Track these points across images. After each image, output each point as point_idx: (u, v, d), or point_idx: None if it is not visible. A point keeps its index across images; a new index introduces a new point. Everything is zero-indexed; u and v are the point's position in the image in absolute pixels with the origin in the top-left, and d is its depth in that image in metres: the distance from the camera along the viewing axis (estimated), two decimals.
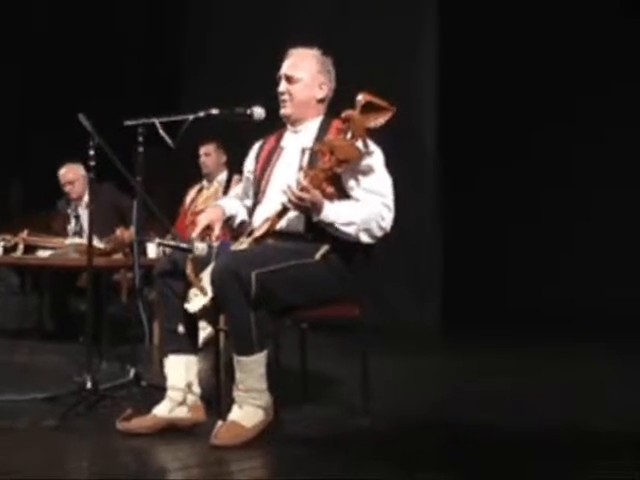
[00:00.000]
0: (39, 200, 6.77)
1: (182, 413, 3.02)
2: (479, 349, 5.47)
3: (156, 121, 3.36)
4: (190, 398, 3.03)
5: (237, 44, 7.44)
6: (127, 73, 8.54)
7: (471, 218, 7.38)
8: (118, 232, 4.96)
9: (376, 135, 3.02)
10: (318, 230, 3.00)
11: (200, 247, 2.96)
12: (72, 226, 5.70)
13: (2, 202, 8.22)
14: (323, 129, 3.14)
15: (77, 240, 5.22)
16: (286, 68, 3.20)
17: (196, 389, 3.06)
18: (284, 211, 2.99)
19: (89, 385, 3.34)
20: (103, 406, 3.32)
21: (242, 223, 3.29)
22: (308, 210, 2.96)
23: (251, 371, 2.87)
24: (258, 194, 3.20)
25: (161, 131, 3.35)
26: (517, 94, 7.29)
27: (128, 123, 3.39)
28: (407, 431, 3.16)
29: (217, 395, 3.27)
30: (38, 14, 8.38)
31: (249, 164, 3.35)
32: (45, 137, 8.03)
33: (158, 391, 3.21)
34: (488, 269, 7.51)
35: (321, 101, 3.20)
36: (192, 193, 5.92)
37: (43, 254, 5.18)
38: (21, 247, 5.26)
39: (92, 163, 3.45)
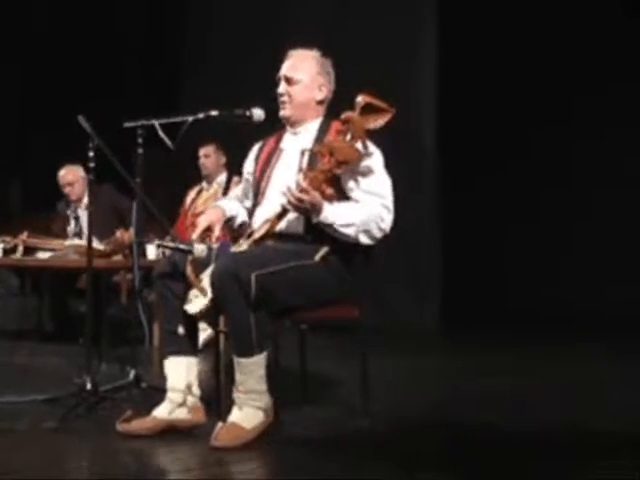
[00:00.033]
0: (39, 202, 6.78)
1: (182, 414, 3.02)
2: (479, 349, 5.48)
3: (155, 123, 3.36)
4: (190, 399, 3.03)
5: (237, 44, 7.44)
6: (127, 73, 8.54)
7: (470, 218, 7.38)
8: (118, 234, 4.96)
9: (375, 136, 3.02)
10: (318, 231, 3.00)
11: (200, 248, 2.96)
12: (72, 228, 5.69)
13: (2, 203, 8.23)
14: (322, 130, 3.14)
15: (77, 242, 5.22)
16: (286, 69, 3.20)
17: (196, 391, 3.06)
18: (284, 212, 2.99)
19: (89, 387, 3.34)
20: (103, 408, 3.32)
21: (242, 224, 3.29)
22: (308, 211, 2.96)
23: (251, 372, 2.87)
24: (258, 195, 3.20)
25: (160, 133, 3.35)
26: (516, 94, 7.29)
27: (127, 125, 3.39)
28: (407, 431, 3.16)
29: (217, 396, 3.28)
30: (38, 14, 8.39)
31: (249, 166, 3.35)
32: (45, 138, 8.04)
33: (158, 393, 3.21)
34: (487, 269, 7.51)
35: (321, 102, 3.20)
36: (192, 194, 5.92)
37: (43, 256, 5.19)
38: (21, 249, 5.26)
39: (92, 165, 3.45)
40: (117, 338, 4.56)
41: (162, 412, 3.01)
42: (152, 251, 4.61)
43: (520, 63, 7.31)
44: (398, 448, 2.91)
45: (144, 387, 3.54)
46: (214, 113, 3.34)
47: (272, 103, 3.21)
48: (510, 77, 7.32)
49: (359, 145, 2.94)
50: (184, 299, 2.97)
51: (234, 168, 5.55)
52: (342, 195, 3.04)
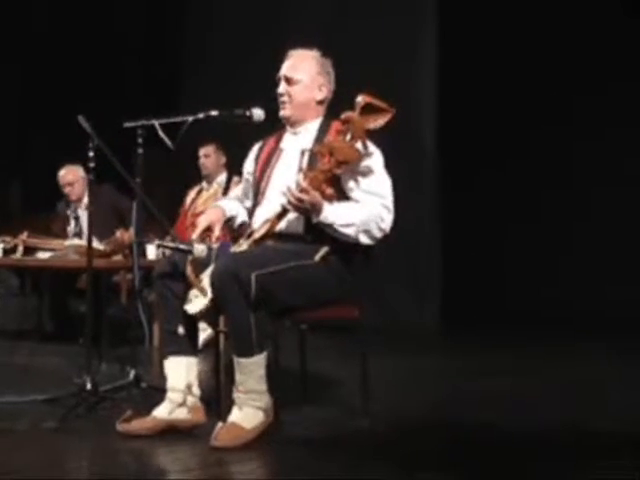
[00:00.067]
0: (39, 202, 6.78)
1: (182, 414, 3.02)
2: (479, 349, 5.48)
3: (155, 123, 3.36)
4: (190, 399, 3.03)
5: (237, 44, 7.44)
6: (127, 73, 8.54)
7: (470, 218, 7.38)
8: (118, 234, 4.96)
9: (375, 136, 3.02)
10: (318, 231, 3.00)
11: (200, 248, 2.96)
12: (72, 228, 5.69)
13: (2, 203, 8.23)
14: (322, 130, 3.14)
15: (77, 241, 5.22)
16: (286, 69, 3.20)
17: (196, 390, 3.06)
18: (284, 212, 2.99)
19: (89, 387, 3.34)
20: (103, 408, 3.32)
21: (242, 224, 3.29)
22: (307, 211, 2.96)
23: (251, 372, 2.87)
24: (258, 195, 3.20)
25: (160, 133, 3.35)
26: (516, 94, 7.29)
27: (127, 125, 3.39)
28: (407, 431, 3.16)
29: (217, 396, 3.28)
30: (38, 14, 8.39)
31: (249, 166, 3.35)
32: (45, 138, 8.03)
33: (158, 393, 3.21)
34: (487, 269, 7.51)
35: (320, 102, 3.20)
36: (191, 194, 5.92)
37: (43, 256, 5.19)
38: (21, 249, 5.26)
39: (92, 165, 3.45)
40: (117, 338, 4.56)
41: (162, 412, 3.01)
42: (152, 251, 4.61)
43: (520, 63, 7.31)
44: (398, 448, 2.91)
45: (144, 387, 3.54)
46: (214, 113, 3.34)
47: (272, 103, 3.21)
48: (510, 77, 7.32)
49: (359, 145, 2.94)
50: (184, 299, 2.97)
51: (234, 168, 5.55)
52: (342, 195, 3.04)
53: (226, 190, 5.53)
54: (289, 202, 2.94)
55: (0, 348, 5.39)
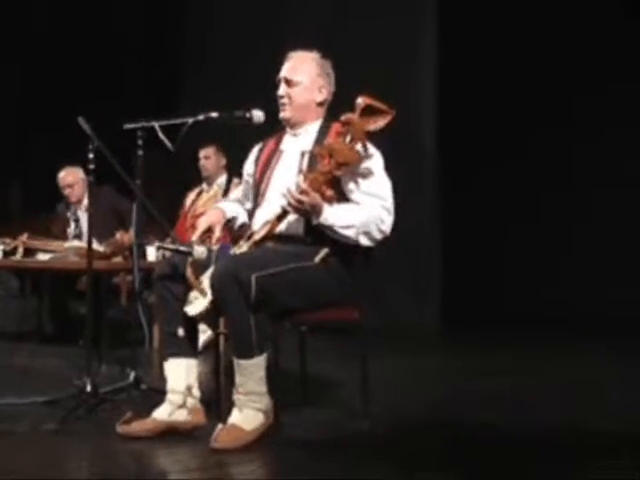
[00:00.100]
0: (38, 203, 6.77)
1: (182, 416, 3.02)
2: (479, 349, 5.48)
3: (155, 124, 3.36)
4: (190, 401, 3.03)
5: (237, 46, 7.44)
6: (127, 74, 8.54)
7: (471, 219, 7.38)
8: (118, 235, 4.96)
9: (375, 138, 3.02)
10: (318, 233, 3.00)
11: (199, 250, 2.96)
12: (71, 229, 5.69)
13: (2, 205, 8.22)
14: (322, 132, 3.14)
15: (76, 243, 5.22)
16: (285, 71, 3.20)
17: (196, 392, 3.06)
18: (284, 214, 2.99)
19: (89, 388, 3.34)
20: (103, 409, 3.32)
21: (243, 225, 3.29)
22: (307, 213, 2.96)
23: (251, 374, 2.87)
24: (258, 197, 3.20)
25: (160, 134, 3.35)
26: (516, 95, 7.29)
27: (127, 126, 3.40)
28: (407, 431, 3.17)
29: (217, 398, 3.28)
30: (38, 14, 8.39)
31: (249, 167, 3.35)
32: (45, 140, 8.03)
33: (158, 394, 3.21)
34: (487, 270, 7.52)
35: (320, 104, 3.20)
36: (192, 196, 5.91)
37: (43, 257, 5.18)
38: (21, 250, 5.25)
39: (91, 166, 3.45)
40: (117, 340, 4.55)
41: (162, 414, 3.01)
42: (152, 253, 4.61)
43: (520, 63, 7.31)
44: (398, 448, 2.91)
45: (144, 389, 3.54)
46: (214, 115, 3.35)
47: (272, 105, 3.21)
48: (510, 78, 7.32)
49: (359, 147, 2.94)
50: (184, 301, 2.98)
51: (234, 170, 5.55)
52: (342, 197, 3.04)
53: (226, 192, 5.53)
54: (289, 204, 2.94)
55: (0, 350, 5.38)
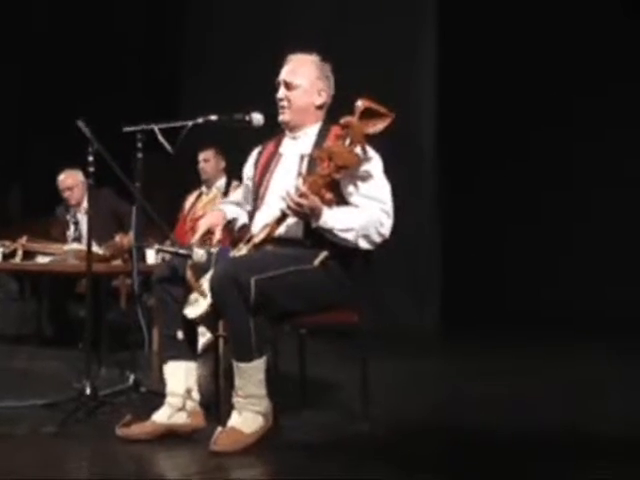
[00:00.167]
0: (38, 206, 6.77)
1: (181, 419, 3.02)
2: (479, 351, 5.48)
3: (155, 127, 3.36)
4: (189, 404, 3.03)
5: (236, 48, 7.44)
6: (127, 74, 8.54)
7: (470, 220, 7.39)
8: (117, 238, 4.95)
9: (375, 141, 3.02)
10: (317, 236, 3.00)
11: (199, 253, 2.96)
12: (71, 232, 5.68)
13: (1, 208, 8.23)
14: (322, 135, 3.13)
15: (76, 246, 5.20)
16: (285, 74, 3.19)
17: (195, 395, 3.06)
18: (283, 217, 2.99)
19: (88, 391, 3.34)
20: (102, 412, 3.32)
21: (243, 226, 3.29)
22: (307, 216, 2.96)
23: (250, 377, 2.87)
24: (257, 200, 3.20)
25: (160, 137, 3.35)
26: (516, 96, 7.30)
27: (127, 129, 3.40)
28: (407, 434, 3.17)
29: (216, 401, 3.26)
30: (38, 14, 8.39)
31: (248, 170, 3.35)
32: (44, 143, 8.03)
33: (157, 397, 3.21)
34: (487, 271, 7.52)
35: (320, 107, 3.20)
36: (191, 199, 5.90)
37: (42, 260, 5.17)
38: (20, 253, 5.24)
39: (91, 169, 3.45)
40: (116, 343, 4.55)
41: (161, 416, 3.01)
42: (151, 256, 4.60)
43: (520, 64, 7.32)
44: (398, 450, 2.91)
45: (143, 392, 3.54)
46: (213, 117, 3.34)
47: (271, 108, 3.21)
48: (510, 78, 7.33)
49: (358, 150, 2.94)
50: (183, 304, 2.98)
51: (233, 173, 5.54)
52: (341, 200, 3.04)
53: (225, 194, 5.51)
54: (288, 207, 2.94)
55: None
